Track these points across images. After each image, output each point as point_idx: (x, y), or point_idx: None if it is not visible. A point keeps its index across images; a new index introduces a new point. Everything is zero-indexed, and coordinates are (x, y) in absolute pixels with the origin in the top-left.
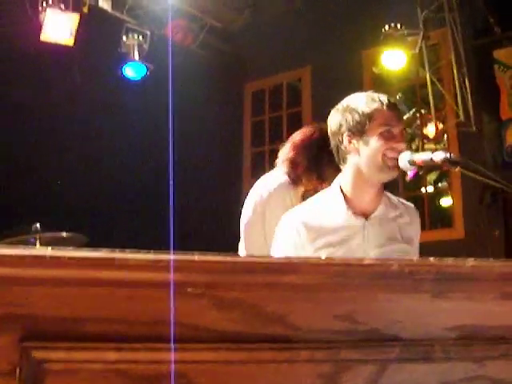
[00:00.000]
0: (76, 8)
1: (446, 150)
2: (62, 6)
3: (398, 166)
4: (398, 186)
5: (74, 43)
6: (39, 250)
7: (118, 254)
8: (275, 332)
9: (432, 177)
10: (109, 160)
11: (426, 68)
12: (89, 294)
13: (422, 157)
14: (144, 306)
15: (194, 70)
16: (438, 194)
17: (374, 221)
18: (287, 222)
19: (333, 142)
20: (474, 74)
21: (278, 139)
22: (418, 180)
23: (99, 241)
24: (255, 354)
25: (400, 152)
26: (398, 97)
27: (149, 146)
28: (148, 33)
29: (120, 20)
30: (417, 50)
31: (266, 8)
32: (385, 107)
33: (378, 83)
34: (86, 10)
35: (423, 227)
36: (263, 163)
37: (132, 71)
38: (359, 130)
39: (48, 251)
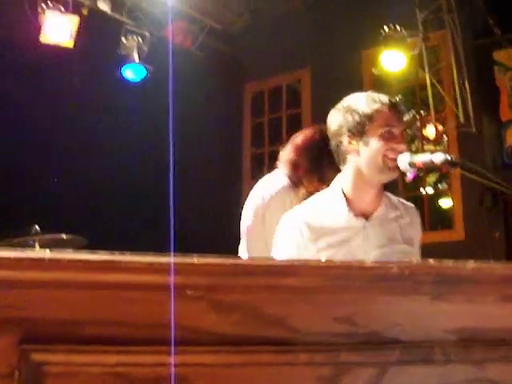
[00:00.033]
0: (76, 10)
1: (445, 151)
2: (62, 8)
3: (398, 167)
4: (397, 187)
5: (74, 45)
6: (38, 253)
7: (117, 257)
8: (275, 335)
9: (432, 178)
10: (109, 162)
11: (426, 69)
12: (88, 296)
13: (421, 158)
14: (144, 309)
15: (193, 72)
16: (438, 195)
17: (375, 221)
18: (289, 222)
19: (333, 142)
20: (474, 76)
21: (278, 141)
22: (418, 181)
23: (99, 243)
24: (255, 357)
25: (400, 153)
26: (397, 98)
27: (148, 148)
28: (148, 34)
29: (119, 22)
30: (416, 52)
31: (265, 10)
32: (385, 108)
33: (378, 84)
34: (85, 11)
35: (423, 229)
36: (263, 164)
37: (132, 73)
38: (359, 131)
39: (47, 254)
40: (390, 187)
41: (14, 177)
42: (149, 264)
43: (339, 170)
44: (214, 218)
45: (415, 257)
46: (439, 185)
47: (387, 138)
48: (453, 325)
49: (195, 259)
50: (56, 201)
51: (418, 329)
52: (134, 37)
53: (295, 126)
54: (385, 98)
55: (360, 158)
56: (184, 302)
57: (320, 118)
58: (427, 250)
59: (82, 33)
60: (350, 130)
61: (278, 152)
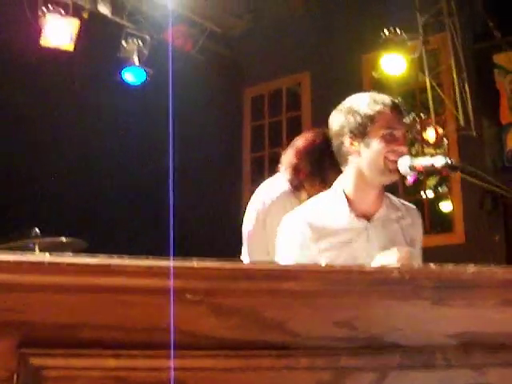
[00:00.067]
0: (76, 13)
1: (445, 154)
2: (62, 11)
3: (398, 170)
4: (397, 190)
5: (74, 48)
6: (37, 256)
7: (116, 261)
8: (274, 339)
9: (432, 181)
10: (109, 165)
11: (426, 73)
12: (87, 300)
13: (422, 162)
14: (143, 313)
15: (193, 75)
16: (438, 198)
17: (377, 222)
18: (291, 222)
19: (335, 143)
20: (474, 79)
21: (278, 144)
22: (418, 184)
23: (99, 246)
24: (254, 361)
25: (401, 155)
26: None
27: (148, 151)
28: (148, 38)
29: (120, 25)
30: (416, 55)
31: (265, 13)
32: (387, 109)
33: (378, 88)
34: (85, 15)
35: (423, 232)
36: (263, 168)
37: (132, 76)
38: (361, 132)
39: (46, 257)
40: (390, 190)
41: (13, 180)
42: (148, 268)
43: (341, 172)
44: (213, 221)
45: (417, 258)
46: (439, 188)
47: (388, 139)
48: (453, 329)
49: (195, 263)
50: (56, 203)
51: (418, 333)
52: (135, 40)
53: (295, 130)
54: (387, 99)
55: (361, 159)
56: (183, 306)
57: (320, 121)
58: (427, 254)
59: (82, 36)
60: (351, 131)
61: (278, 155)
